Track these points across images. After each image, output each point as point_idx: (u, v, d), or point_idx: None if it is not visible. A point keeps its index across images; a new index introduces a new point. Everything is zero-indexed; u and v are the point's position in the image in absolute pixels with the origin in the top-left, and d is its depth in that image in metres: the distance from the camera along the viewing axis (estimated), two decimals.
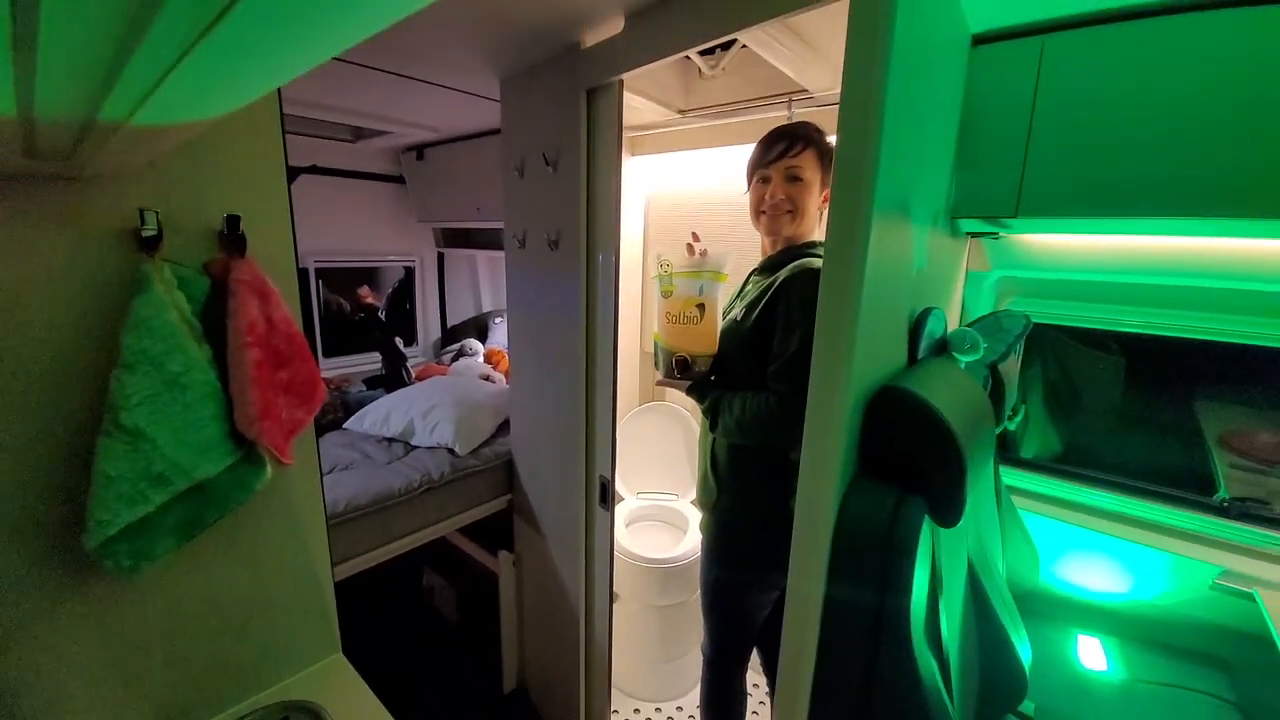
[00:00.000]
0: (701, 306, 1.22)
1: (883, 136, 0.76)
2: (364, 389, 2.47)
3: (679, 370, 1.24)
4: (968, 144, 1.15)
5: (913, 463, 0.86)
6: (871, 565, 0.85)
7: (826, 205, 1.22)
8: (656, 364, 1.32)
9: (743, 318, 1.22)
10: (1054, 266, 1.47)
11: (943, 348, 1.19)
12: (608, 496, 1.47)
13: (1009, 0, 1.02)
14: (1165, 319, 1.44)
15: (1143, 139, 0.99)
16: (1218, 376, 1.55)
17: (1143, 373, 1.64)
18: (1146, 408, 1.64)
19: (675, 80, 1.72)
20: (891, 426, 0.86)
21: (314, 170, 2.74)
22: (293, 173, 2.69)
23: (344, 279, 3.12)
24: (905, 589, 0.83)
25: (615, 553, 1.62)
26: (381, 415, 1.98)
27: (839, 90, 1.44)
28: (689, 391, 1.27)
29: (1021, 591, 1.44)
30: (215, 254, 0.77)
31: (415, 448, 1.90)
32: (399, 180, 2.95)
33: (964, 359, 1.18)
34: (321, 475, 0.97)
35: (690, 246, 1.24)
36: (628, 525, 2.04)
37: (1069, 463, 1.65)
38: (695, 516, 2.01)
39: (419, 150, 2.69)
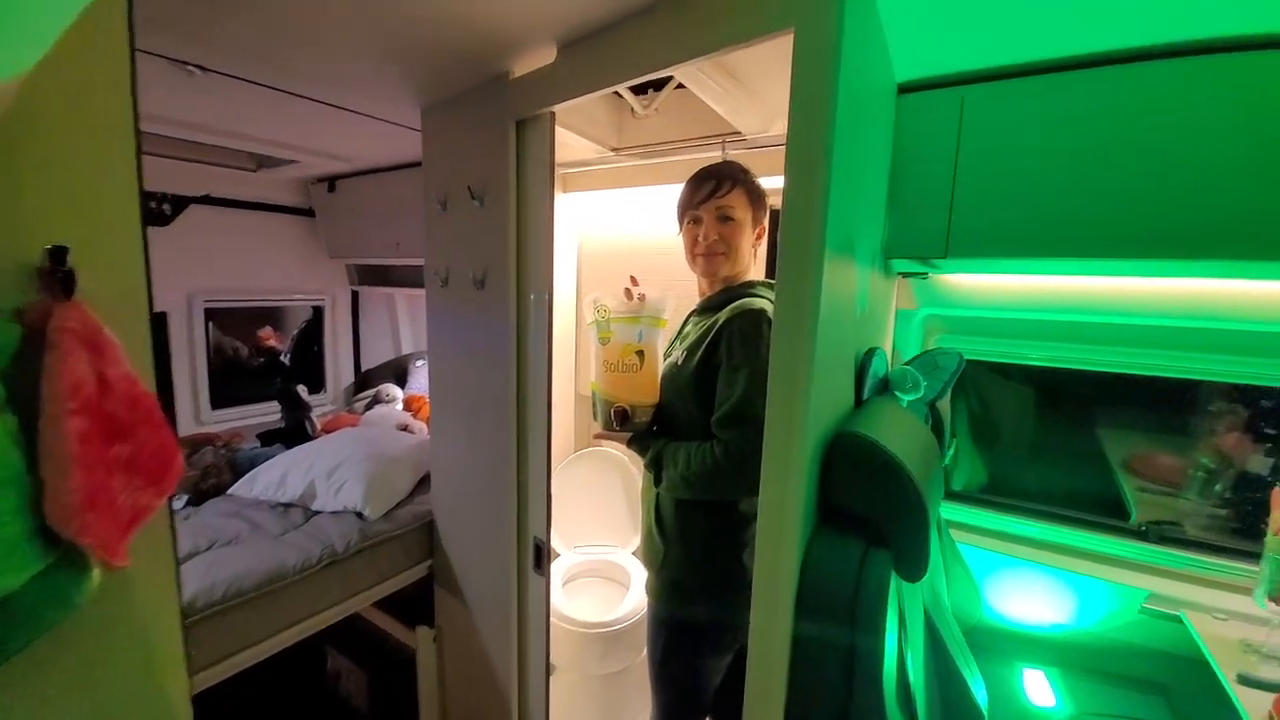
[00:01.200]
0: (641, 353, 1.16)
1: (831, 177, 0.74)
2: (258, 446, 2.17)
3: (618, 422, 1.16)
4: (898, 186, 1.17)
5: (874, 514, 0.81)
6: (840, 626, 0.78)
7: (760, 242, 1.21)
8: (595, 415, 1.23)
9: (683, 361, 1.15)
10: (974, 304, 1.53)
11: (885, 387, 1.18)
12: (542, 559, 1.33)
13: (930, 53, 1.06)
14: (1069, 353, 1.53)
15: (1054, 185, 1.04)
16: (1118, 405, 1.67)
17: (1055, 404, 1.73)
18: (1061, 437, 1.73)
19: (608, 117, 1.68)
20: (852, 477, 0.81)
21: (207, 200, 2.48)
22: (179, 202, 2.45)
23: (241, 320, 2.82)
24: (877, 650, 0.76)
25: (551, 618, 1.46)
26: (276, 476, 1.72)
27: (771, 132, 1.46)
28: (630, 444, 1.19)
29: (966, 627, 1.43)
30: (32, 296, 0.60)
31: (317, 513, 1.66)
32: (308, 213, 2.72)
33: (906, 398, 1.17)
34: (179, 567, 0.77)
35: (628, 290, 1.18)
36: (565, 584, 1.88)
37: (995, 493, 1.70)
38: (638, 569, 1.88)
39: (330, 181, 2.50)
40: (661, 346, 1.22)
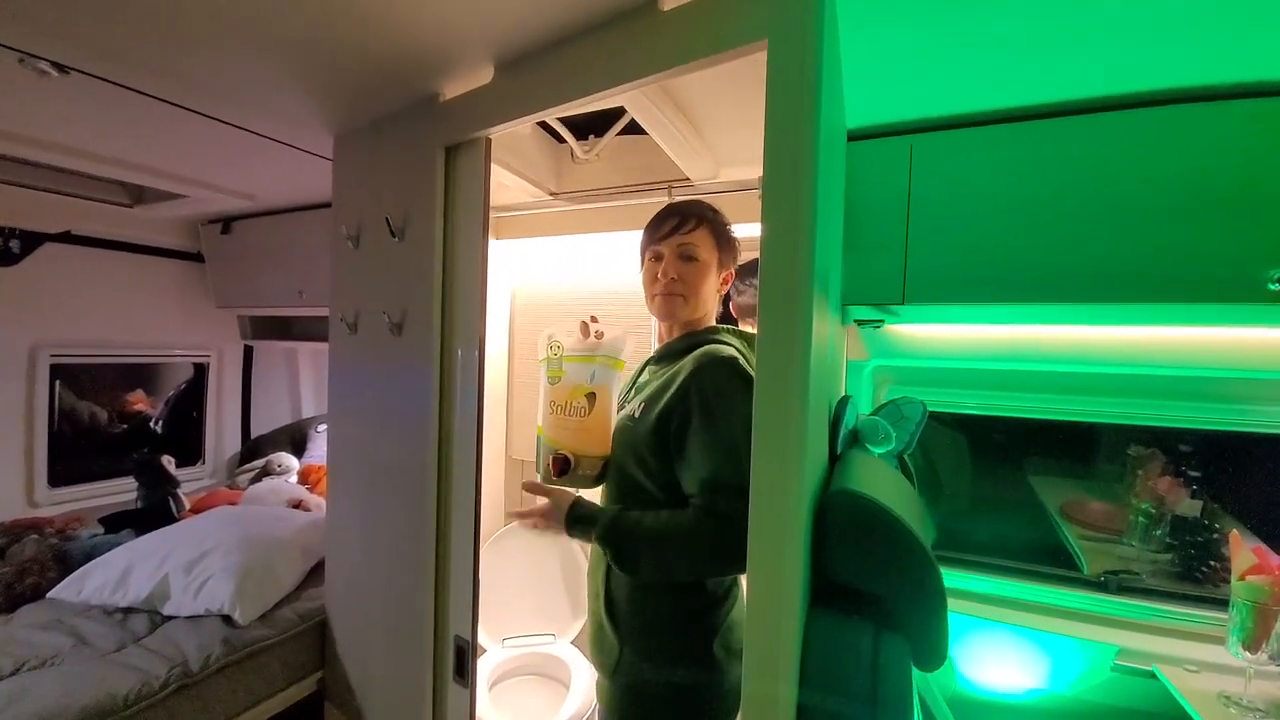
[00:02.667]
0: (592, 396, 1.03)
1: (818, 204, 0.66)
2: (101, 533, 1.75)
3: (556, 471, 1.01)
4: (854, 232, 1.14)
5: (881, 590, 0.69)
6: None
7: (727, 288, 1.12)
8: (537, 466, 1.07)
9: (641, 414, 1.00)
10: (921, 355, 1.52)
11: (855, 439, 1.09)
12: (465, 665, 1.08)
13: (878, 102, 1.06)
14: (1003, 400, 1.54)
15: (1007, 230, 1.04)
16: (1048, 452, 1.69)
17: (1003, 455, 1.73)
18: (1011, 489, 1.72)
19: (546, 160, 1.59)
20: (854, 546, 0.68)
21: (68, 239, 2.12)
22: (31, 239, 2.08)
23: (105, 379, 2.41)
24: None
25: None
26: (116, 573, 1.35)
27: (720, 179, 1.42)
28: (570, 527, 0.98)
29: (945, 699, 1.31)
30: None
31: (169, 619, 1.30)
32: (194, 257, 2.40)
33: (877, 450, 1.09)
34: None
35: (585, 326, 1.05)
36: (491, 687, 1.59)
37: (950, 548, 1.64)
38: (579, 662, 1.63)
39: (225, 222, 2.22)
40: (616, 392, 1.09)
